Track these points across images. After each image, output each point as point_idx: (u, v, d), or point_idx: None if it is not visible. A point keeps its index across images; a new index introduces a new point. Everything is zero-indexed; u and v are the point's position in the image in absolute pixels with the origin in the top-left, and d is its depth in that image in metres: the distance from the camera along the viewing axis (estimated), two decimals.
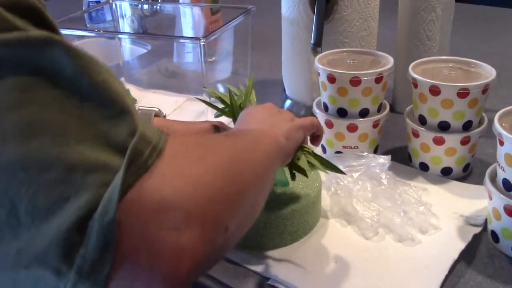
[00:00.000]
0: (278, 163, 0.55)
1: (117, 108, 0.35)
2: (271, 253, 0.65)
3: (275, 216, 0.65)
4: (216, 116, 0.74)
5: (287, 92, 1.02)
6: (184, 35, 1.21)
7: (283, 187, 0.68)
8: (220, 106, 0.72)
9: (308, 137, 0.64)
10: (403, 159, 0.84)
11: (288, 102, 1.01)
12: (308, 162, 0.61)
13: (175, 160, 0.37)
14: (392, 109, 0.99)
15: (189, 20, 1.21)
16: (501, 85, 1.10)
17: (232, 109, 0.69)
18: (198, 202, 0.35)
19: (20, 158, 0.31)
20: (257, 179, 0.45)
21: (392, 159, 0.83)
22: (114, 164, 0.33)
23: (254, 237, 0.65)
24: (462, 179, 0.79)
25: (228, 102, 0.69)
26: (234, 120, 0.70)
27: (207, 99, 0.80)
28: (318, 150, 0.87)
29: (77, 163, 0.32)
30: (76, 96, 0.33)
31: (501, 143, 0.60)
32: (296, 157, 0.61)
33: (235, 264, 0.64)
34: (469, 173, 0.80)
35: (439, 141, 0.75)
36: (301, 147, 0.61)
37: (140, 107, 0.76)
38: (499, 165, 0.62)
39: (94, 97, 0.34)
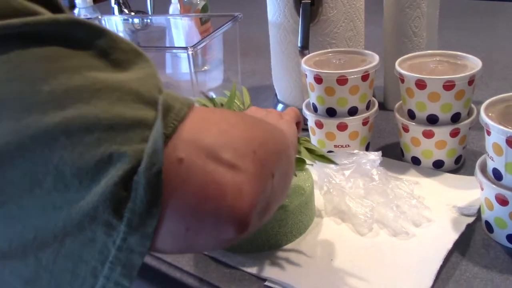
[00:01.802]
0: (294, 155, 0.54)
1: (144, 67, 0.37)
2: (266, 255, 0.66)
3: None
4: None
5: (278, 96, 1.03)
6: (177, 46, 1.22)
7: None
8: None
9: None
10: (396, 155, 0.84)
11: (280, 106, 1.02)
12: (308, 149, 0.61)
13: (207, 114, 0.38)
14: (383, 107, 1.00)
15: (180, 31, 1.22)
16: (492, 77, 1.11)
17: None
18: (245, 142, 0.37)
19: (60, 124, 0.31)
20: (287, 149, 0.45)
21: (385, 156, 0.84)
22: (150, 119, 0.34)
23: (248, 239, 0.66)
24: (454, 171, 0.79)
25: None
26: None
27: None
28: None
29: (116, 121, 0.32)
30: (105, 63, 0.35)
31: (488, 133, 0.61)
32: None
33: (231, 268, 0.65)
34: (462, 165, 0.80)
35: (428, 135, 0.76)
36: (298, 140, 0.62)
37: None
38: (488, 155, 0.62)
39: (122, 63, 0.36)
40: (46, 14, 0.34)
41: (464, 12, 1.62)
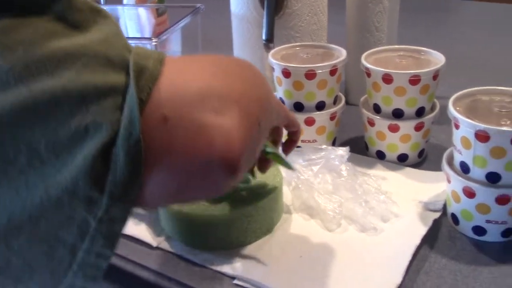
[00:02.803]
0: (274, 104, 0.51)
1: (105, 25, 0.34)
2: (235, 252, 0.64)
3: (237, 214, 0.64)
4: None
5: None
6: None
7: (244, 184, 0.67)
8: None
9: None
10: (360, 149, 0.84)
11: None
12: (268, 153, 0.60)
13: (184, 65, 0.37)
14: (347, 101, 1.00)
15: (134, 22, 1.18)
16: (448, 73, 1.14)
17: None
18: (228, 91, 0.37)
19: (26, 102, 0.29)
20: (269, 96, 0.44)
21: (350, 150, 0.84)
22: (123, 84, 0.32)
23: (217, 236, 0.64)
24: (417, 164, 0.80)
25: None
26: None
27: None
28: None
29: (86, 91, 0.30)
30: (64, 27, 0.32)
31: (457, 127, 0.61)
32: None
33: (200, 267, 0.63)
34: (424, 158, 0.81)
35: (394, 129, 0.76)
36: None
37: None
38: (455, 148, 0.63)
39: (80, 24, 0.33)
40: None
41: (417, 7, 1.65)
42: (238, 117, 0.36)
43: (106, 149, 0.31)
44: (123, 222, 0.32)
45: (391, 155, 0.79)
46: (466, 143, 0.60)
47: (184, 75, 0.36)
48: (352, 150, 0.84)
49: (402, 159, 0.79)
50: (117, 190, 0.31)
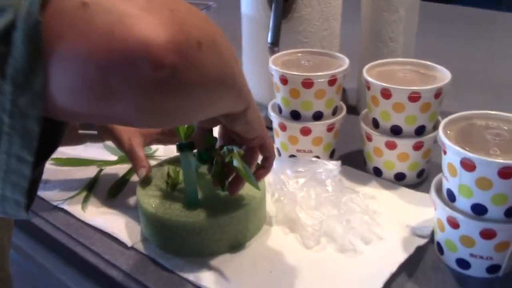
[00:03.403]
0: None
1: None
2: (207, 260, 0.63)
3: (210, 223, 0.62)
4: None
5: None
6: None
7: (222, 192, 0.66)
8: None
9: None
10: (359, 164, 0.81)
11: None
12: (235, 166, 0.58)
13: None
14: (356, 111, 0.97)
15: None
16: (469, 89, 1.08)
17: None
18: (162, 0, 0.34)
19: None
20: (214, 31, 0.40)
21: (349, 163, 0.81)
22: None
23: (189, 243, 0.63)
24: (416, 185, 0.76)
25: None
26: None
27: None
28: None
29: None
30: None
31: (445, 152, 0.58)
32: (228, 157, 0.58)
33: (169, 272, 0.62)
34: (424, 179, 0.77)
35: (391, 146, 0.73)
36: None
37: None
38: (443, 174, 0.59)
39: None
40: None
41: (451, 18, 1.58)
42: (170, 22, 0.33)
43: (8, 32, 0.30)
44: (36, 121, 0.32)
45: (388, 172, 0.76)
46: (452, 170, 0.57)
47: None
48: (352, 163, 0.81)
49: (399, 178, 0.76)
50: (19, 76, 0.31)
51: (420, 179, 0.77)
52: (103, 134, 0.74)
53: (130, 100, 0.34)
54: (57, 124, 0.36)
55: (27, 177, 0.33)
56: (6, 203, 0.34)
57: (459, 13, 1.63)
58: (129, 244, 0.66)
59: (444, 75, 0.73)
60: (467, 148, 0.55)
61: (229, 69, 0.42)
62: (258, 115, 0.55)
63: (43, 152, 0.35)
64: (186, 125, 0.67)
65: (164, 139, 0.78)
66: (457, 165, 0.55)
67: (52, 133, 0.36)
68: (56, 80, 0.32)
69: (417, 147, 0.72)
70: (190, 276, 0.60)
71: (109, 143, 0.77)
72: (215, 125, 0.60)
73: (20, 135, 0.32)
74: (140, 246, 0.66)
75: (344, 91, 0.99)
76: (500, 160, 0.52)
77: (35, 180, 0.36)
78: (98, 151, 0.84)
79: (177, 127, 0.67)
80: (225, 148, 0.58)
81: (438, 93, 0.70)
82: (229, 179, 0.62)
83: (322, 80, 0.75)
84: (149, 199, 0.65)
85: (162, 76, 0.33)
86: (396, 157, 0.73)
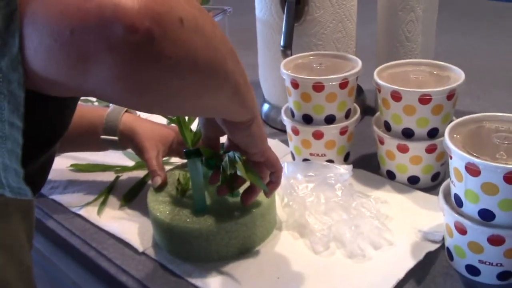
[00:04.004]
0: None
1: None
2: (215, 266, 0.63)
3: (218, 228, 0.62)
4: (168, 124, 0.72)
5: (265, 96, 0.99)
6: None
7: (230, 197, 0.66)
8: None
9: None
10: (374, 167, 0.80)
11: (266, 106, 0.99)
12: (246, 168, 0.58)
13: None
14: (374, 112, 0.95)
15: None
16: (495, 85, 1.05)
17: (178, 117, 0.67)
18: None
19: None
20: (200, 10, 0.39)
21: (364, 166, 0.80)
22: None
23: (197, 249, 0.64)
24: (430, 188, 0.74)
25: None
26: (180, 127, 0.69)
27: None
28: (288, 157, 0.85)
29: None
30: None
31: (451, 157, 0.56)
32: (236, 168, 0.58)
33: (177, 277, 0.63)
34: (440, 182, 0.75)
35: (403, 149, 0.71)
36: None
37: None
38: (451, 179, 0.58)
39: None
40: None
41: (477, 13, 1.53)
42: None
43: None
44: (20, 86, 0.32)
45: (401, 176, 0.75)
46: (458, 175, 0.55)
47: None
48: (366, 167, 0.80)
49: (413, 182, 0.74)
50: None
51: (435, 182, 0.75)
52: (124, 140, 0.75)
53: (107, 65, 0.33)
54: (61, 110, 0.37)
55: (19, 143, 0.34)
56: (8, 174, 0.36)
57: (485, 7, 1.58)
58: (141, 249, 0.67)
59: (458, 76, 0.71)
60: (473, 153, 0.54)
61: (220, 59, 0.41)
62: (261, 130, 0.56)
63: (51, 138, 0.36)
64: (191, 130, 0.68)
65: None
66: (462, 170, 0.54)
67: (56, 120, 0.37)
68: (31, 42, 0.32)
69: (430, 150, 0.71)
70: (198, 282, 0.61)
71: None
72: (220, 135, 0.61)
73: (8, 100, 0.33)
74: (151, 252, 0.67)
75: (361, 91, 0.98)
76: (506, 165, 0.51)
77: (44, 165, 0.37)
78: (116, 156, 0.86)
79: (184, 133, 0.68)
80: (226, 157, 0.58)
81: (450, 95, 0.68)
82: (241, 188, 0.63)
83: (333, 83, 0.74)
84: (158, 205, 0.67)
85: (137, 40, 0.32)
86: (409, 160, 0.72)
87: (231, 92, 0.45)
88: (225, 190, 0.63)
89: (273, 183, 0.61)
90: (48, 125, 0.37)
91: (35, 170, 0.36)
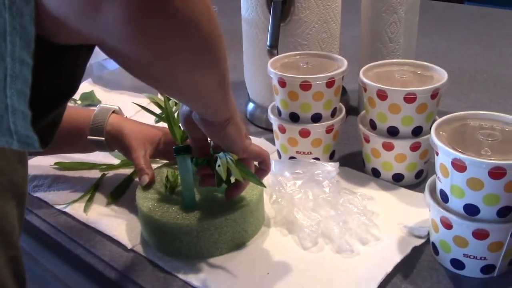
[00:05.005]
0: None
1: None
2: (205, 262, 0.64)
3: (207, 225, 0.63)
4: (156, 122, 0.72)
5: (250, 95, 1.00)
6: None
7: (219, 193, 0.67)
8: (158, 111, 0.71)
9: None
10: (359, 165, 0.81)
11: (251, 106, 0.99)
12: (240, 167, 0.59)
13: None
14: (357, 112, 0.97)
15: None
16: (472, 88, 1.08)
17: (167, 114, 0.67)
18: None
19: None
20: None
21: (349, 164, 0.82)
22: None
23: (187, 246, 0.64)
24: (414, 186, 0.76)
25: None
26: (169, 124, 0.69)
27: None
28: (274, 155, 0.86)
29: None
30: None
31: (437, 153, 0.58)
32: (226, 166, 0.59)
33: (166, 273, 0.63)
34: (423, 180, 0.77)
35: (388, 147, 0.73)
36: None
37: (100, 104, 0.77)
38: (437, 175, 0.60)
39: None
40: None
41: (457, 17, 1.57)
42: None
43: None
44: (31, 19, 0.32)
45: (386, 173, 0.76)
46: (444, 171, 0.57)
47: None
48: (351, 165, 0.81)
49: (398, 179, 0.76)
50: None
51: (419, 180, 0.77)
52: (111, 141, 0.75)
53: (118, 5, 0.33)
54: (71, 68, 0.37)
55: (28, 82, 0.34)
56: (16, 118, 0.35)
57: (465, 11, 1.62)
58: (129, 246, 0.67)
59: (441, 76, 0.73)
60: (458, 149, 0.55)
61: (216, 37, 0.41)
62: (239, 129, 0.57)
63: (61, 96, 0.37)
64: (180, 127, 0.69)
65: (169, 154, 0.75)
66: (449, 165, 0.55)
67: (66, 78, 0.37)
68: None
69: (414, 148, 0.73)
70: (187, 278, 0.61)
71: None
72: (202, 136, 0.61)
73: (20, 35, 0.33)
74: (139, 249, 0.67)
75: (345, 92, 1.00)
76: (491, 161, 0.52)
77: (54, 122, 0.37)
78: (101, 154, 0.85)
79: (173, 129, 0.68)
80: (219, 160, 0.59)
81: (434, 94, 0.70)
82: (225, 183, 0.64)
83: (320, 82, 0.75)
84: (147, 202, 0.67)
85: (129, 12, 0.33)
86: (394, 158, 0.74)
87: (218, 80, 0.46)
88: (208, 181, 0.64)
89: (263, 170, 0.63)
90: (58, 81, 0.37)
91: (44, 127, 0.36)
